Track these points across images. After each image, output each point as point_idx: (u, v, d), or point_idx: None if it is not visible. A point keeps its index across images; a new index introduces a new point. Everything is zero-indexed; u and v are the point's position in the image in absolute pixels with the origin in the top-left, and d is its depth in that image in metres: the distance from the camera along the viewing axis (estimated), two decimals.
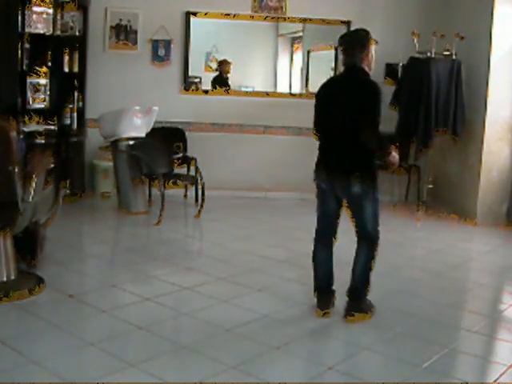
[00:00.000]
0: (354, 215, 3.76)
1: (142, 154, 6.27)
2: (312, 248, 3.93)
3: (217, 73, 7.87)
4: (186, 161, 6.96)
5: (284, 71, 8.32)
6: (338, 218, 3.85)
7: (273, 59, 8.28)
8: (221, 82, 7.73)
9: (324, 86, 3.85)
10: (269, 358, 3.24)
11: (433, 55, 6.76)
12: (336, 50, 7.78)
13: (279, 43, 8.25)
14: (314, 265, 3.94)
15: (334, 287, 3.95)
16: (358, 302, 3.84)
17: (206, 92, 7.52)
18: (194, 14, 7.29)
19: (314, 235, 3.93)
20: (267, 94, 7.66)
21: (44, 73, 6.57)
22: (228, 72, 7.82)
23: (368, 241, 3.79)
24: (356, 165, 3.64)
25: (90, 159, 7.19)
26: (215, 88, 7.61)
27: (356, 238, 3.84)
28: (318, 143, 3.85)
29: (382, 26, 7.53)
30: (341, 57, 3.76)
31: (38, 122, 6.56)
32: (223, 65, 7.81)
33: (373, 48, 3.71)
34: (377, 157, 3.64)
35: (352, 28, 7.43)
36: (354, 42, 3.69)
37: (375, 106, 3.57)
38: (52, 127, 6.64)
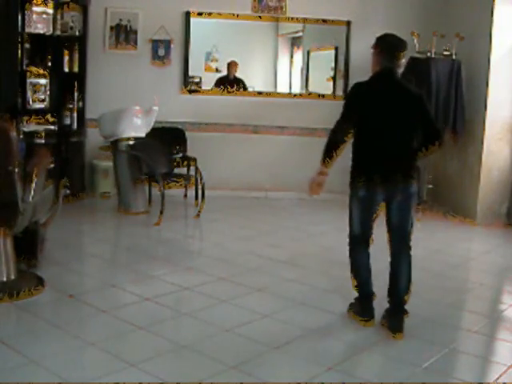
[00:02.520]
0: (401, 218, 3.65)
1: (142, 154, 6.27)
2: (348, 254, 3.84)
3: (223, 73, 7.83)
4: (186, 161, 6.96)
5: (284, 71, 8.32)
6: (374, 223, 3.75)
7: (273, 59, 8.28)
8: (228, 82, 7.70)
9: (370, 87, 3.70)
10: (269, 358, 3.24)
11: (433, 55, 6.77)
12: (336, 49, 7.80)
13: (279, 43, 8.24)
14: (358, 272, 3.78)
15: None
16: (404, 315, 3.69)
17: (221, 90, 7.54)
18: (194, 13, 7.29)
19: (350, 241, 3.80)
20: (267, 93, 7.67)
21: (44, 73, 6.57)
22: (234, 72, 7.80)
23: (407, 247, 3.69)
24: (412, 170, 3.65)
25: (89, 159, 7.19)
26: (219, 87, 7.60)
27: (391, 248, 3.73)
28: (358, 147, 3.66)
29: (382, 26, 7.46)
30: (380, 58, 3.65)
31: (37, 122, 6.57)
32: (231, 66, 7.79)
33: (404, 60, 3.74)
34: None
35: (352, 28, 7.46)
36: (405, 49, 3.70)
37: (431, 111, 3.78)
38: (52, 127, 6.65)
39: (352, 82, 7.59)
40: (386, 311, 3.75)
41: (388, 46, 3.67)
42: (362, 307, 3.77)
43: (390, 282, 3.72)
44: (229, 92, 7.51)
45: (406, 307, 3.73)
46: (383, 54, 3.65)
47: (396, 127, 3.60)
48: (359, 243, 3.77)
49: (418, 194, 3.75)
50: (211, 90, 7.59)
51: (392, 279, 3.71)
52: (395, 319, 3.63)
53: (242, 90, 7.65)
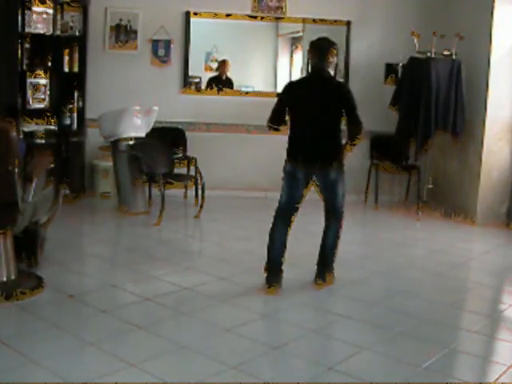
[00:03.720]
0: (328, 196, 4.32)
1: (142, 154, 6.27)
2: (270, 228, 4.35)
3: (215, 73, 7.84)
4: (186, 161, 6.96)
5: (284, 71, 8.31)
6: (302, 198, 4.33)
7: (273, 59, 8.27)
8: (219, 82, 7.71)
9: (298, 84, 4.49)
10: (269, 358, 3.24)
11: (433, 55, 6.76)
12: (336, 49, 7.78)
13: (279, 43, 8.24)
14: (272, 243, 4.31)
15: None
16: (330, 268, 4.42)
17: (219, 91, 7.55)
18: (194, 14, 7.29)
19: (275, 213, 4.32)
20: (267, 93, 7.66)
21: (44, 73, 6.57)
22: (226, 72, 7.80)
23: (336, 217, 4.36)
24: (335, 153, 4.21)
25: (89, 159, 7.19)
26: (211, 88, 7.58)
27: (325, 217, 4.42)
28: (289, 133, 4.31)
29: (382, 26, 7.54)
30: (311, 58, 4.27)
31: (37, 122, 6.57)
32: (223, 65, 7.79)
33: (336, 56, 4.28)
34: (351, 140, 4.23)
35: (352, 28, 7.47)
36: (329, 49, 4.22)
37: (355, 102, 4.19)
38: (52, 127, 6.65)
39: (352, 81, 7.66)
40: (317, 267, 4.42)
41: (316, 47, 4.26)
42: (269, 273, 4.28)
43: (321, 243, 4.44)
44: (224, 92, 7.50)
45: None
46: (313, 55, 4.25)
47: (319, 117, 4.17)
48: (281, 216, 4.30)
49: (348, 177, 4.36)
50: (204, 90, 7.56)
51: (322, 241, 4.43)
52: (322, 271, 4.38)
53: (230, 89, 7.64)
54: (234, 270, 4.70)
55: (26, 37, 6.38)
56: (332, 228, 4.39)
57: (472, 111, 6.76)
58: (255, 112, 7.48)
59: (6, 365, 2.99)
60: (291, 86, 4.46)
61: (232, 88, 7.72)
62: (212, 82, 7.71)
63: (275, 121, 4.34)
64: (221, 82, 7.71)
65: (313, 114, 4.17)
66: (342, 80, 7.45)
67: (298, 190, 4.26)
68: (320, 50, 4.22)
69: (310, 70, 4.30)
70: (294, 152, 4.24)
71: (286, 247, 4.34)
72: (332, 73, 4.28)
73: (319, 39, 4.32)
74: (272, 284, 4.22)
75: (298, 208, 4.33)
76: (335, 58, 4.26)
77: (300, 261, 5.07)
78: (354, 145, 4.26)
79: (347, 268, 4.88)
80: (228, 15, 7.34)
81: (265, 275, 4.29)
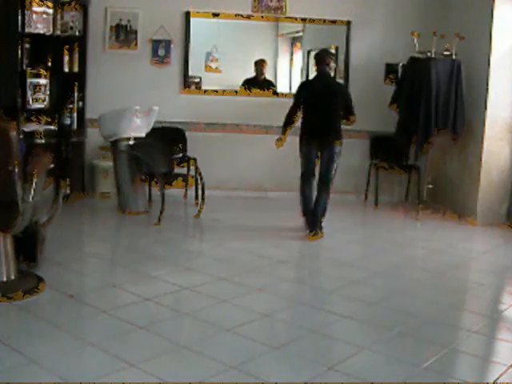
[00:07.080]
0: (327, 166, 5.70)
1: (141, 154, 6.27)
2: (299, 187, 5.84)
3: (251, 74, 7.75)
4: (186, 161, 6.96)
5: (284, 71, 8.31)
6: (315, 166, 5.78)
7: (273, 59, 8.27)
8: (256, 84, 7.63)
9: (311, 83, 6.09)
10: (269, 358, 3.24)
11: (433, 55, 6.76)
12: (336, 49, 7.79)
13: (279, 43, 8.24)
14: (303, 198, 5.77)
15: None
16: (320, 226, 5.68)
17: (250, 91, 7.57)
18: (194, 14, 7.29)
19: (301, 177, 5.80)
20: (268, 94, 7.65)
21: (44, 73, 6.57)
22: (265, 73, 7.69)
23: (328, 184, 5.72)
24: (335, 137, 5.70)
25: (90, 159, 7.19)
26: (246, 89, 7.57)
27: (317, 186, 5.73)
28: (303, 120, 5.79)
29: (382, 26, 7.55)
30: (315, 66, 5.84)
31: (37, 122, 6.57)
32: (259, 65, 7.68)
33: (333, 63, 5.88)
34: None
35: (352, 28, 7.48)
36: (326, 58, 5.77)
37: (351, 97, 5.80)
38: (52, 127, 6.65)
39: (352, 81, 7.70)
40: (309, 226, 5.67)
41: (317, 57, 5.83)
42: (307, 225, 5.71)
43: (313, 207, 5.72)
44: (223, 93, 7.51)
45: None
46: (317, 62, 5.81)
47: (325, 108, 5.67)
48: (306, 179, 5.78)
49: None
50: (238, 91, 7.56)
51: (315, 205, 5.72)
52: (313, 228, 5.62)
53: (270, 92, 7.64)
54: (234, 270, 4.70)
55: (26, 37, 6.38)
56: (324, 194, 5.70)
57: (472, 111, 6.76)
58: (255, 112, 7.50)
59: (6, 365, 2.99)
60: (304, 85, 6.20)
61: (275, 91, 7.69)
62: (247, 84, 7.64)
63: (293, 115, 5.79)
64: (257, 84, 7.65)
65: (322, 106, 5.66)
66: (341, 80, 7.50)
67: (312, 159, 5.74)
68: (320, 58, 5.78)
69: (317, 73, 5.81)
70: (310, 135, 5.69)
71: (313, 199, 5.72)
72: (332, 74, 5.98)
73: (320, 50, 5.92)
74: (312, 231, 5.60)
75: (314, 172, 5.76)
76: (333, 64, 5.85)
77: (300, 261, 5.08)
78: (348, 125, 5.82)
79: (347, 268, 4.88)
80: (228, 15, 7.34)
81: (305, 225, 5.72)
